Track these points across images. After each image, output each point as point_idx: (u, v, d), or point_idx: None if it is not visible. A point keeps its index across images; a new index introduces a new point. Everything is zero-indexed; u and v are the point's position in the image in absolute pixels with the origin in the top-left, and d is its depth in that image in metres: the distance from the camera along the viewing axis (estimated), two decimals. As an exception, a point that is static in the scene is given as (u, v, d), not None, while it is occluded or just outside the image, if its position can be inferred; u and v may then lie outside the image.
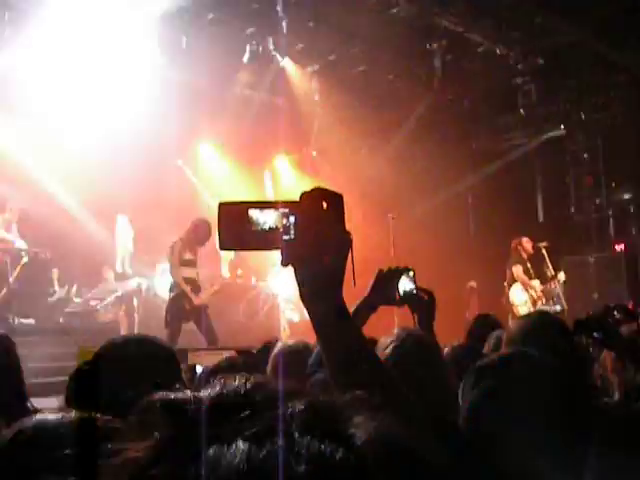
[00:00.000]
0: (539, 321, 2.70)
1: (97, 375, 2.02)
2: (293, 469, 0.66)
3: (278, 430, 0.68)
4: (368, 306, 2.76)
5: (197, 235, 9.25)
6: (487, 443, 1.61)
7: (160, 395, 0.75)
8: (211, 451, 0.67)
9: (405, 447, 0.75)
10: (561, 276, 10.94)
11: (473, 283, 13.74)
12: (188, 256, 9.40)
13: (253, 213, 1.52)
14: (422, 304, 2.91)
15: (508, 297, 10.63)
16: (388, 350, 2.52)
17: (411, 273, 2.90)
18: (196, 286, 9.36)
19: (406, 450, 0.75)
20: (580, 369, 2.45)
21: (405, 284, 2.88)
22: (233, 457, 0.66)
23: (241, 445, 0.67)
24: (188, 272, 9.35)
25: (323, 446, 0.67)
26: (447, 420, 1.83)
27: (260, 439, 0.67)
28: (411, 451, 0.76)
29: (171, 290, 9.42)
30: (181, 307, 9.14)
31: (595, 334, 4.11)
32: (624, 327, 4.01)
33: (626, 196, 14.61)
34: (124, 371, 2.07)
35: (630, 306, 11.17)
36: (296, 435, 0.68)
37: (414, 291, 2.89)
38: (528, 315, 3.29)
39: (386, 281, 2.83)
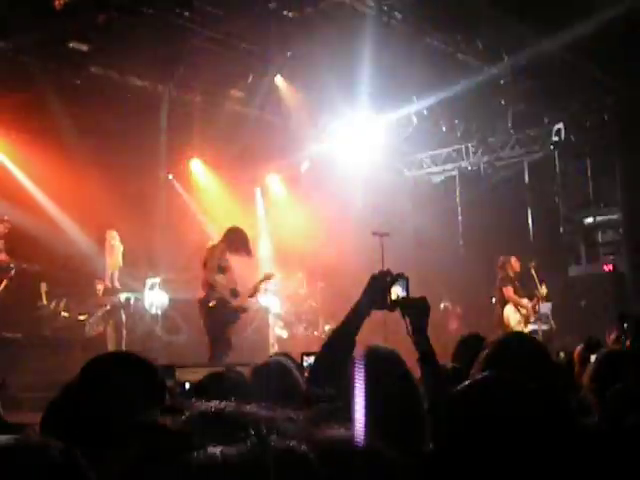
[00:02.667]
0: (516, 342, 2.72)
1: (78, 395, 2.03)
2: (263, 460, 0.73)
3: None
4: (360, 310, 2.77)
5: (236, 243, 9.23)
6: (465, 468, 1.61)
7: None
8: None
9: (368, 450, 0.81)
10: (543, 290, 10.96)
11: (448, 303, 13.76)
12: (223, 263, 9.36)
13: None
14: (415, 311, 2.90)
15: (501, 317, 10.62)
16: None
17: (404, 280, 2.90)
18: (233, 292, 9.28)
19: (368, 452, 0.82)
20: (559, 391, 2.46)
21: (398, 290, 2.88)
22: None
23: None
24: (220, 278, 9.29)
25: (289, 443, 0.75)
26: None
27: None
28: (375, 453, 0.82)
29: (205, 302, 9.19)
30: (221, 315, 9.04)
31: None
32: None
33: (615, 216, 14.70)
34: (108, 389, 2.07)
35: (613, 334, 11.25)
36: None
37: (406, 297, 2.88)
38: (505, 336, 3.29)
39: (379, 286, 2.83)
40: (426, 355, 2.81)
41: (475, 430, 1.61)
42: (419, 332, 2.85)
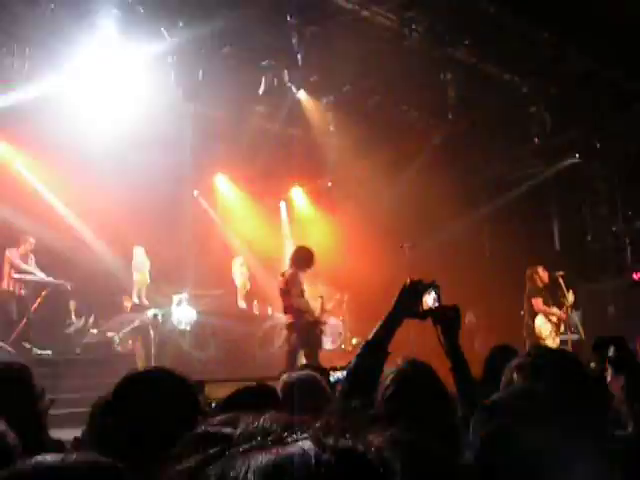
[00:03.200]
0: (550, 355, 2.69)
1: (115, 412, 2.04)
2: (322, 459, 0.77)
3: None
4: (393, 320, 2.76)
5: (302, 263, 9.37)
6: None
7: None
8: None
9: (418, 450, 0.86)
10: (570, 297, 10.83)
11: (472, 318, 13.64)
12: (302, 286, 9.49)
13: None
14: (446, 319, 2.88)
15: (532, 329, 10.50)
16: (387, 381, 2.56)
17: (436, 288, 2.88)
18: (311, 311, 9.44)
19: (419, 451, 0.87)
20: (597, 402, 2.44)
21: (430, 299, 2.86)
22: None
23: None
24: (304, 302, 9.42)
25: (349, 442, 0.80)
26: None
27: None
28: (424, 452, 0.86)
29: (297, 326, 9.32)
30: (315, 333, 9.20)
31: (610, 354, 4.10)
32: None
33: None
34: (143, 406, 2.08)
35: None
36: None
37: (438, 305, 2.86)
38: (539, 348, 3.26)
39: (410, 295, 2.82)
40: (458, 364, 2.79)
41: (505, 442, 1.60)
42: (451, 341, 2.83)
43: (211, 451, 0.81)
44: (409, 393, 2.67)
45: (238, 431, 0.83)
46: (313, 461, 0.74)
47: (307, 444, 0.76)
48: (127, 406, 2.08)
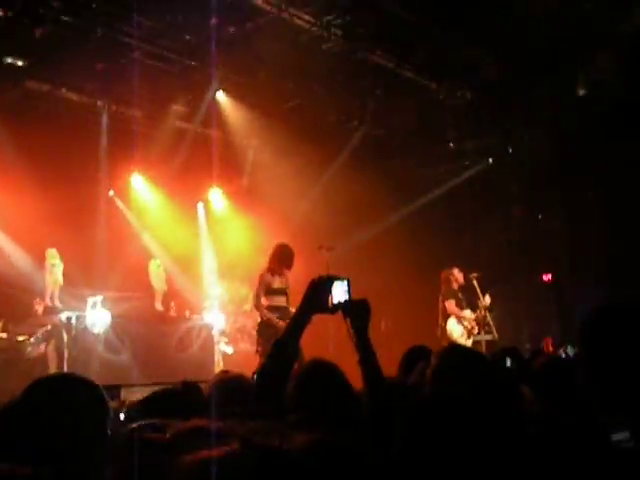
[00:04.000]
0: (461, 355, 2.75)
1: (21, 418, 1.98)
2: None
3: None
4: (302, 317, 2.75)
5: (282, 259, 9.31)
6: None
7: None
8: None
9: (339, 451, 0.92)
10: (487, 300, 11.10)
11: (388, 323, 13.78)
12: (277, 284, 9.40)
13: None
14: (356, 312, 2.88)
15: (445, 331, 10.74)
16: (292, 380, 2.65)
17: (345, 282, 2.86)
18: (285, 313, 9.22)
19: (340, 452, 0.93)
20: (504, 401, 2.50)
21: (340, 293, 2.85)
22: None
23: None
24: (277, 300, 9.28)
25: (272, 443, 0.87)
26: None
27: None
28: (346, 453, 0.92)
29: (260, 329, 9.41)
30: (271, 334, 9.01)
31: (508, 365, 4.23)
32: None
33: (554, 226, 15.02)
34: (52, 411, 2.03)
35: (550, 342, 11.48)
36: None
37: (348, 299, 2.85)
38: (450, 349, 3.33)
39: (318, 290, 2.81)
40: (367, 357, 2.81)
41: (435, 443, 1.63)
42: (359, 334, 2.84)
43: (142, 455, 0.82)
44: (311, 391, 2.70)
45: (167, 435, 0.85)
46: (241, 460, 0.77)
47: (235, 445, 0.78)
48: (35, 412, 2.02)
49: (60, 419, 1.96)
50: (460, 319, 10.82)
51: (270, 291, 9.55)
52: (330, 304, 2.79)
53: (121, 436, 1.31)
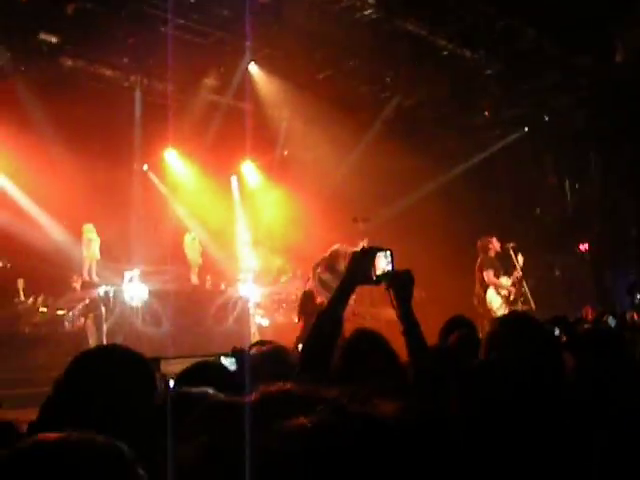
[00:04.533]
0: (518, 322, 2.74)
1: (73, 390, 2.00)
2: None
3: None
4: (346, 288, 2.76)
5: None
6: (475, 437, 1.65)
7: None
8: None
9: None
10: (520, 260, 10.98)
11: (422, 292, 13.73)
12: (341, 267, 9.38)
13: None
14: (399, 282, 2.87)
15: (483, 300, 10.63)
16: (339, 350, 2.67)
17: (388, 253, 2.84)
18: (330, 290, 9.21)
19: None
20: (558, 365, 2.50)
21: (382, 264, 2.84)
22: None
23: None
24: (329, 279, 9.33)
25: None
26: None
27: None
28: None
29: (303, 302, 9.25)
30: (309, 305, 9.06)
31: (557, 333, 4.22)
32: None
33: (590, 195, 14.83)
34: (101, 384, 2.04)
35: (589, 311, 11.35)
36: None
37: (391, 270, 2.84)
38: (505, 317, 3.32)
39: (361, 261, 2.81)
40: (411, 327, 2.80)
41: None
42: (403, 304, 2.83)
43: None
44: (358, 360, 2.72)
45: (252, 399, 0.86)
46: (338, 428, 0.77)
47: (328, 412, 0.78)
48: (84, 384, 2.03)
49: (109, 390, 1.98)
50: (498, 289, 10.74)
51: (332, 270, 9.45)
52: (373, 275, 2.78)
53: (198, 402, 1.31)
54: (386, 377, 2.49)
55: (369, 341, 2.94)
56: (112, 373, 2.11)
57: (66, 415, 1.93)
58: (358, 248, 2.88)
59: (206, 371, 3.02)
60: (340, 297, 2.72)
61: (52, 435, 1.15)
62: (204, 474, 0.85)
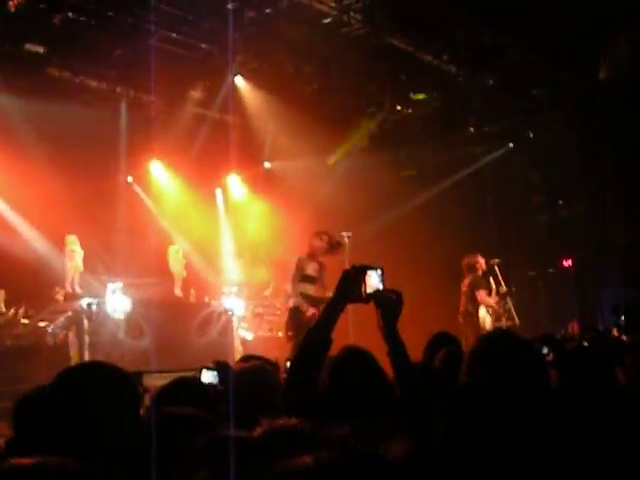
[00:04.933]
0: (502, 340, 2.73)
1: (53, 407, 1.97)
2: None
3: None
4: (335, 306, 2.74)
5: (318, 247, 9.26)
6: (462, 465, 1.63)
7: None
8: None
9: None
10: (502, 289, 11.04)
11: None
12: (309, 271, 9.36)
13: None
14: (388, 302, 2.85)
15: (475, 319, 10.55)
16: (327, 369, 2.64)
17: (379, 271, 2.81)
18: (314, 301, 9.18)
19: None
20: (543, 382, 2.50)
21: (374, 282, 2.81)
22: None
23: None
24: (306, 288, 9.29)
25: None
26: None
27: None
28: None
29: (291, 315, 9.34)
30: (300, 320, 9.00)
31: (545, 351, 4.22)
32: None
33: (574, 213, 14.91)
34: (83, 402, 2.02)
35: (575, 326, 11.40)
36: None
37: (382, 290, 2.80)
38: (489, 335, 3.32)
39: (352, 279, 2.78)
40: (396, 347, 2.78)
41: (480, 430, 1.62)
42: (389, 325, 2.81)
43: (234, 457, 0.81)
44: (346, 377, 2.70)
45: (256, 434, 0.84)
46: (343, 467, 0.75)
47: (334, 450, 0.76)
48: (68, 402, 2.01)
49: (93, 408, 1.96)
50: (488, 308, 10.72)
51: (303, 278, 9.46)
52: (364, 294, 2.75)
53: (205, 434, 1.27)
54: (373, 394, 2.47)
55: (357, 358, 2.92)
56: (96, 391, 2.09)
57: (45, 433, 1.91)
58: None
59: (184, 388, 3.00)
60: (330, 315, 2.71)
61: (26, 461, 1.13)
62: None
